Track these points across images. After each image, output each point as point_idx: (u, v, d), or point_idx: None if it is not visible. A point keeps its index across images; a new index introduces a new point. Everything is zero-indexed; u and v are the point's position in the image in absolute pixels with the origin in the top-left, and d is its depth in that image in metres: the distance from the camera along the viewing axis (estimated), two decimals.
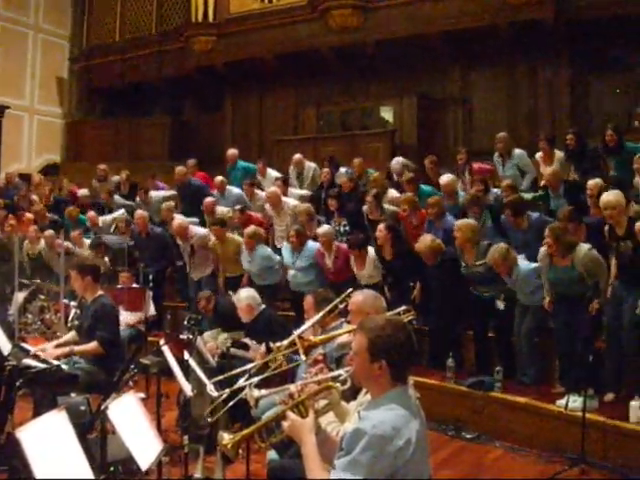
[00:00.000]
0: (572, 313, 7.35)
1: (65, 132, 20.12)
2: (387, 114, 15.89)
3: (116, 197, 14.01)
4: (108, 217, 13.11)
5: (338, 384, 3.64)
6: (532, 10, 13.65)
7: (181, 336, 7.47)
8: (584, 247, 7.30)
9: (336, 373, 3.79)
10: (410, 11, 14.90)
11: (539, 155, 10.69)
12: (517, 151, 10.90)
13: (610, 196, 7.20)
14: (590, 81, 14.39)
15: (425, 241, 8.53)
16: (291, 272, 9.99)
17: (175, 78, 18.49)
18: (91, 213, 12.91)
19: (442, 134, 15.36)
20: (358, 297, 4.73)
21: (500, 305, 8.09)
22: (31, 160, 19.26)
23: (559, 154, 10.40)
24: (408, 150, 12.57)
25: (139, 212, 11.98)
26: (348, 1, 15.41)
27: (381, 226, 9.11)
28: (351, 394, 3.81)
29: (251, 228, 10.24)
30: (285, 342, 4.69)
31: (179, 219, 11.38)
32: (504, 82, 15.05)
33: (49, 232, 12.01)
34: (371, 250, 9.23)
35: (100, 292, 6.72)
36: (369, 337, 3.14)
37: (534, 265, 7.75)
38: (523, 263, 7.82)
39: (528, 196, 9.65)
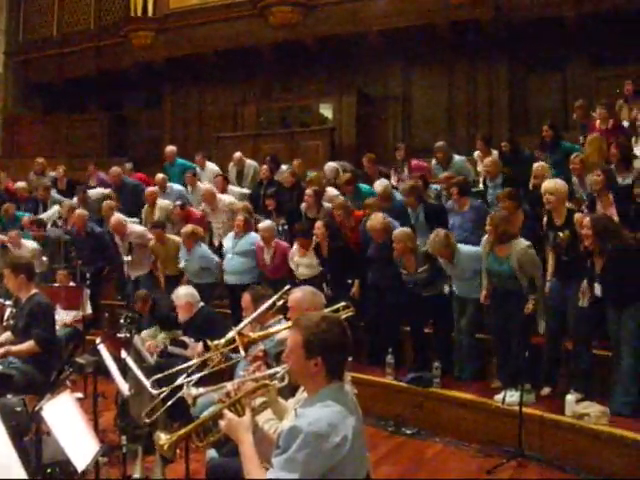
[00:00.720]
0: (508, 308, 7.45)
1: (1, 128, 19.69)
2: (327, 111, 15.92)
3: (53, 193, 13.80)
4: (43, 216, 12.95)
5: (276, 381, 3.63)
6: (472, 10, 13.88)
7: (119, 335, 7.40)
8: (523, 243, 7.40)
9: (274, 370, 3.78)
10: (350, 9, 15.01)
11: (477, 153, 10.83)
12: (457, 158, 11.10)
13: (551, 183, 7.42)
14: (528, 80, 14.65)
15: (377, 218, 8.63)
16: (229, 256, 9.98)
17: (114, 73, 18.20)
18: (25, 219, 12.67)
19: (381, 132, 15.45)
20: (297, 294, 4.73)
21: (446, 288, 8.16)
22: None
23: (495, 153, 10.57)
24: (347, 147, 12.64)
25: (78, 211, 11.80)
26: None
27: (319, 223, 9.18)
28: (289, 391, 3.81)
29: (189, 227, 10.20)
30: (223, 340, 4.67)
31: (118, 215, 11.25)
32: (443, 80, 15.22)
33: None
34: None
35: (34, 290, 6.60)
36: (304, 334, 3.14)
37: (475, 248, 7.87)
38: (464, 247, 7.96)
39: None
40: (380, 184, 10.13)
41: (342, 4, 15.11)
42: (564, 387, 7.15)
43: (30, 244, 11.52)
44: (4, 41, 19.98)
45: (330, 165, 11.80)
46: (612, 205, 7.48)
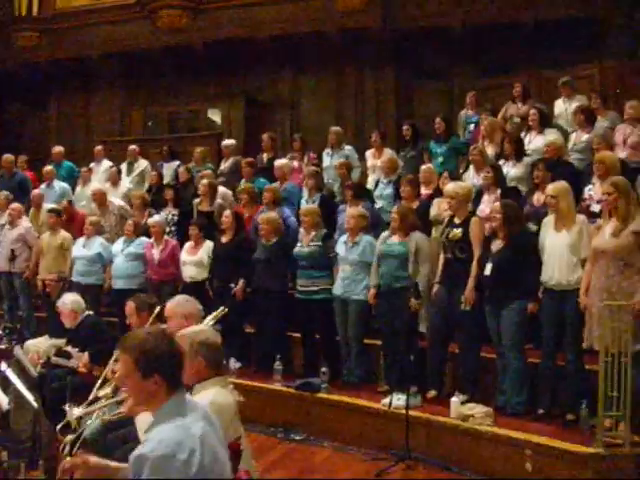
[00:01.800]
0: (394, 309, 7.59)
1: None
2: (215, 116, 15.88)
3: None
4: None
5: None
6: (360, 18, 14.09)
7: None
8: (422, 234, 7.80)
9: None
10: (240, 14, 14.97)
11: (370, 152, 10.99)
12: (347, 146, 11.28)
13: (451, 186, 7.71)
14: (415, 88, 14.92)
15: (270, 215, 8.81)
16: (118, 259, 9.88)
17: None
18: None
19: None
20: (171, 303, 4.86)
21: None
22: None
23: (388, 151, 10.75)
24: (235, 153, 12.62)
25: None
26: (177, 1, 15.26)
27: (228, 212, 9.26)
28: None
29: (94, 217, 10.44)
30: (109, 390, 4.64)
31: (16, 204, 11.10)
32: (332, 87, 15.33)
33: None
34: (208, 242, 9.36)
35: None
36: (134, 355, 3.03)
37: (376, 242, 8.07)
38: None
39: None
40: (280, 161, 10.56)
41: (232, 9, 15.05)
42: (451, 389, 7.31)
43: None
44: None
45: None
46: (498, 201, 7.71)
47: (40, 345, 8.13)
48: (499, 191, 8.15)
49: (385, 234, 7.94)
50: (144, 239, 9.91)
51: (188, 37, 15.43)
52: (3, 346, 7.12)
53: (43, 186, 12.34)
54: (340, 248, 8.26)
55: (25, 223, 11.01)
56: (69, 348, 7.48)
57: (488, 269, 6.95)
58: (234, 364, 8.46)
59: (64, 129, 17.56)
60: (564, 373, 6.74)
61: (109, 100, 17.15)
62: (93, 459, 3.28)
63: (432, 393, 7.49)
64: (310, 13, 14.41)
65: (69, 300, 7.78)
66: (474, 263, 7.17)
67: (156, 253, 9.67)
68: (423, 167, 9.47)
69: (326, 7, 14.31)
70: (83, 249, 10.17)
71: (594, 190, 7.58)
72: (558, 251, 6.67)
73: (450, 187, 7.66)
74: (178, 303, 4.87)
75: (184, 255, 9.48)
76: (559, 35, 12.95)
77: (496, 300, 6.92)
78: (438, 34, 13.81)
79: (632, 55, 13.41)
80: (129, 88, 16.93)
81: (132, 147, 13.08)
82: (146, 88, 16.73)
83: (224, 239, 9.16)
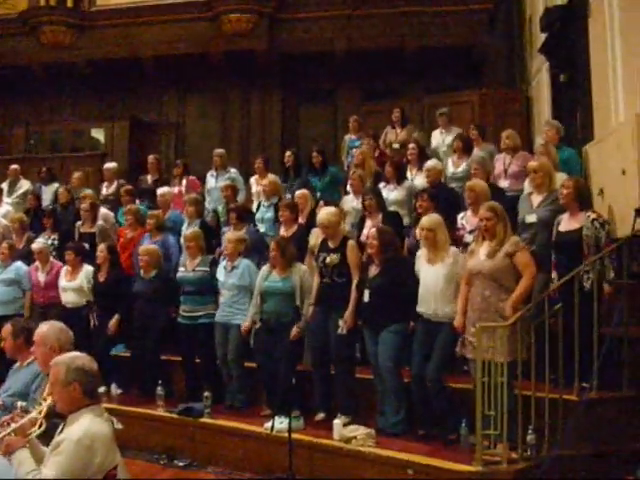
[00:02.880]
0: (274, 338, 7.61)
1: None
2: (99, 136, 15.66)
3: None
4: None
5: (35, 428, 3.52)
6: (245, 41, 14.21)
7: None
8: (303, 266, 7.80)
9: (30, 416, 3.66)
10: (125, 33, 14.92)
11: (254, 178, 11.02)
12: (232, 169, 11.34)
13: (322, 215, 7.67)
14: (300, 111, 15.12)
15: (149, 247, 8.79)
16: None
17: None
18: None
19: None
20: (42, 328, 4.76)
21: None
22: None
23: (271, 176, 10.81)
24: (119, 173, 12.45)
25: None
26: (61, 18, 15.09)
27: (102, 246, 9.10)
28: (45, 439, 3.69)
29: (7, 242, 9.95)
30: None
31: None
32: (218, 109, 15.43)
33: None
34: (87, 266, 9.16)
35: None
36: None
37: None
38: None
39: None
40: (163, 189, 10.40)
41: (116, 28, 14.96)
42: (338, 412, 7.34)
43: None
44: None
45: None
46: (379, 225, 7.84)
47: None
48: (380, 216, 8.28)
49: (265, 269, 7.87)
50: (20, 264, 9.64)
51: (72, 55, 15.23)
52: None
53: None
54: (220, 273, 8.25)
55: None
56: None
57: (366, 295, 7.05)
58: (115, 390, 8.33)
59: None
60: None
61: None
62: None
63: (320, 416, 7.49)
64: (196, 34, 14.47)
65: None
66: (353, 287, 7.26)
67: (42, 276, 9.47)
68: (297, 193, 9.43)
69: (212, 29, 14.39)
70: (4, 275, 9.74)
71: (466, 219, 7.78)
72: (433, 283, 6.77)
73: (323, 217, 7.64)
74: (49, 329, 4.76)
75: (62, 281, 9.23)
76: (441, 62, 13.40)
77: (375, 324, 7.00)
78: (323, 58, 14.08)
79: (510, 83, 13.99)
80: (10, 105, 16.49)
81: (14, 167, 12.71)
82: (28, 105, 16.33)
83: (100, 277, 8.97)
